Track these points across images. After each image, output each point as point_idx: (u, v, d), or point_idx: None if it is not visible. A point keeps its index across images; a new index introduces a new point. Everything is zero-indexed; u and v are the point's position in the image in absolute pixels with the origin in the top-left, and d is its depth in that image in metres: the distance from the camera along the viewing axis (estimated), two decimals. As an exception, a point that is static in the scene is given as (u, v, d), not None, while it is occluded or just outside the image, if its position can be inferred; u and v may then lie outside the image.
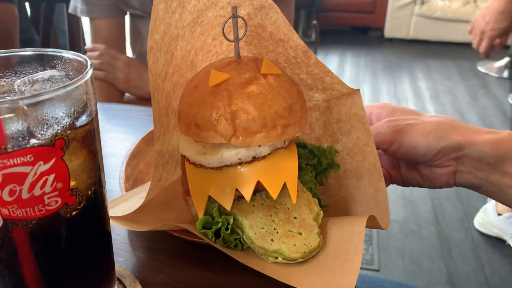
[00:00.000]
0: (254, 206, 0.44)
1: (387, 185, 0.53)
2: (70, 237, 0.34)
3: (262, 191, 0.45)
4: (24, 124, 0.28)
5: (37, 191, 0.30)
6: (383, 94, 3.54)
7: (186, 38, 0.44)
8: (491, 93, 3.57)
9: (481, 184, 0.52)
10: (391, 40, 4.84)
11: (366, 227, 0.42)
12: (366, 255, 1.87)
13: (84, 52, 1.55)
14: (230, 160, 0.43)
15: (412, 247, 1.96)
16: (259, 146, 0.43)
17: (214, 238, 0.43)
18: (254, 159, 0.43)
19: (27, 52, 0.35)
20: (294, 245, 0.42)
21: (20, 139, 0.28)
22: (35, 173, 0.29)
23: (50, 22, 1.47)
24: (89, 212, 0.34)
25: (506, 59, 3.99)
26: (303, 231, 0.43)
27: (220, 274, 0.46)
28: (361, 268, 1.89)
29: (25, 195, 0.29)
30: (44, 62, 0.36)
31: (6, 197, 0.29)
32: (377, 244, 1.95)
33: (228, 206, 0.43)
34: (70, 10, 1.30)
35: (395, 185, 0.58)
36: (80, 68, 0.34)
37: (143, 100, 1.29)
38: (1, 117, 0.27)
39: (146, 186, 0.53)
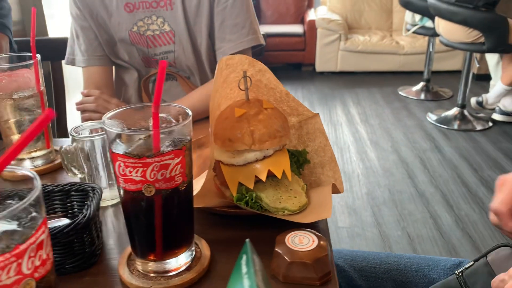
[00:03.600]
0: (266, 185, 0.75)
1: None
2: (180, 201, 0.62)
3: (270, 176, 0.75)
4: (169, 139, 0.58)
5: (173, 173, 0.58)
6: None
7: (219, 92, 0.75)
8: (412, 114, 4.10)
9: None
10: (322, 73, 5.36)
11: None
12: (322, 257, 2.19)
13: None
14: (251, 159, 0.74)
15: (359, 247, 2.31)
16: (267, 149, 0.74)
17: (246, 205, 0.73)
18: (265, 157, 0.74)
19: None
20: (293, 203, 0.73)
21: (167, 146, 0.57)
22: (174, 164, 0.58)
23: (62, 77, 1.70)
24: (189, 188, 0.63)
25: (421, 84, 4.59)
26: (297, 195, 0.74)
27: (242, 230, 0.75)
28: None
29: (167, 175, 0.58)
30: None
31: (159, 176, 0.57)
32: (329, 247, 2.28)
33: (251, 186, 0.73)
34: (67, 63, 1.55)
35: (340, 195, 0.88)
36: (183, 115, 0.64)
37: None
38: (161, 137, 0.56)
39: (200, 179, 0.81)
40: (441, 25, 3.46)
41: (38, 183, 0.42)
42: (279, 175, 0.73)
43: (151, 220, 0.61)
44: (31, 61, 0.92)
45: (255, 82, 0.78)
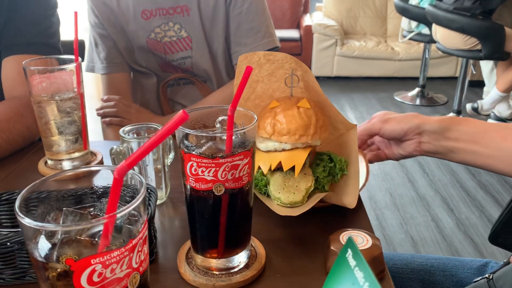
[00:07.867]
0: (280, 175, 0.79)
1: (383, 160, 0.95)
2: (244, 200, 0.64)
3: (289, 169, 0.78)
4: (239, 140, 0.60)
5: (241, 173, 0.60)
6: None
7: (265, 83, 0.78)
8: (408, 119, 4.16)
9: (437, 150, 0.88)
10: (318, 78, 5.41)
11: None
12: (330, 259, 2.22)
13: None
14: (270, 148, 0.78)
15: (365, 249, 2.34)
16: (286, 143, 0.77)
17: (255, 187, 0.78)
18: (283, 150, 0.77)
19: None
20: (287, 197, 0.76)
21: (238, 147, 0.60)
22: (243, 164, 0.60)
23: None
24: (251, 189, 0.65)
25: (417, 89, 4.66)
26: (296, 192, 0.77)
27: (292, 229, 0.78)
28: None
29: (237, 175, 0.60)
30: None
31: (229, 176, 0.60)
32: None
33: (265, 171, 0.78)
34: (87, 70, 1.56)
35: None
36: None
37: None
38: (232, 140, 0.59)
39: None
40: (439, 32, 3.53)
41: (144, 182, 0.44)
42: (285, 168, 0.76)
43: (217, 218, 0.63)
44: (73, 64, 0.93)
45: (303, 82, 0.82)
